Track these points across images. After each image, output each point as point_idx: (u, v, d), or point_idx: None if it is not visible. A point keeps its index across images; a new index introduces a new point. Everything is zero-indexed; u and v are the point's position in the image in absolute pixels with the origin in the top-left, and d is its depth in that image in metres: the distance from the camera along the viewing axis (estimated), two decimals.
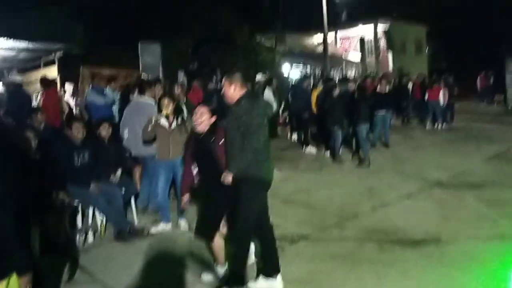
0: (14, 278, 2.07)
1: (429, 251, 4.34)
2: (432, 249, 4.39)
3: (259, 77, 12.45)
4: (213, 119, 3.87)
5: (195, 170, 3.94)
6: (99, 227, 5.12)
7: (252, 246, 3.93)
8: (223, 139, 3.75)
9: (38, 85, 8.75)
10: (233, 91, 3.70)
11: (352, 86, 9.42)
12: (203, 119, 3.83)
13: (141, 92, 5.95)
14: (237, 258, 3.65)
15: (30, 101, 8.20)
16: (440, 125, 12.80)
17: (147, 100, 5.80)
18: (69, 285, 3.92)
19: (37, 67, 10.64)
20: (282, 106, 12.20)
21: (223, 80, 3.83)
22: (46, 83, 8.28)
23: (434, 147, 10.18)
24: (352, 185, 7.11)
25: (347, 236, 4.88)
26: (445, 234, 4.72)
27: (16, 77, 9.31)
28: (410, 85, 14.89)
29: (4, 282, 2.03)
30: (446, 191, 6.52)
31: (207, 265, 4.09)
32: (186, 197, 3.99)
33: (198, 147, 3.87)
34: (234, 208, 3.61)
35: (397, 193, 6.44)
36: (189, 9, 15.91)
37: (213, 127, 3.85)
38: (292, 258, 4.31)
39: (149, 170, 5.61)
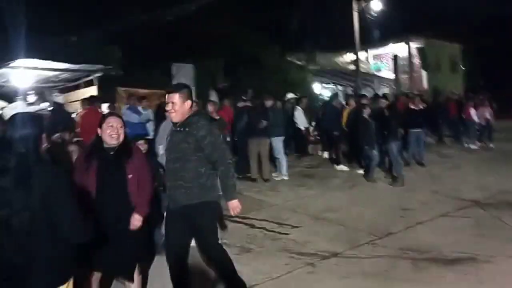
0: (71, 283, 2.20)
1: (466, 270, 4.21)
2: (469, 268, 4.26)
3: (290, 95, 12.55)
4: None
5: None
6: None
7: None
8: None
9: (78, 104, 9.14)
10: (187, 107, 3.49)
11: (383, 104, 9.34)
12: None
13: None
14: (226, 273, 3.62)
15: (71, 119, 8.59)
16: (478, 144, 12.46)
17: None
18: None
19: (77, 87, 11.12)
20: (313, 124, 12.24)
21: (171, 95, 3.49)
22: (92, 100, 8.57)
23: (470, 166, 9.90)
24: (385, 204, 7.00)
25: (379, 254, 4.79)
26: (482, 253, 4.57)
27: (58, 97, 9.78)
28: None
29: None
30: (483, 211, 6.32)
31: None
32: None
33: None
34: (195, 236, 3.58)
35: (432, 212, 6.29)
36: (220, 30, 16.29)
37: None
38: (323, 275, 4.28)
39: None
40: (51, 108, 8.99)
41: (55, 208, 2.11)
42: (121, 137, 3.40)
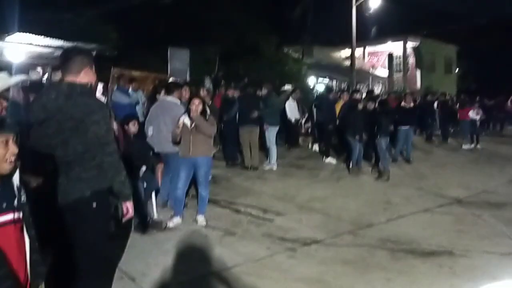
0: None
1: (441, 262, 4.35)
2: (444, 261, 4.39)
3: (287, 87, 12.64)
4: None
5: None
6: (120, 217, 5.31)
7: None
8: None
9: None
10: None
11: (371, 106, 9.40)
12: None
13: (168, 92, 6.15)
14: None
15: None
16: (472, 145, 12.67)
17: (173, 99, 6.01)
18: None
19: None
20: (305, 116, 12.33)
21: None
22: None
23: (456, 166, 10.07)
24: (369, 197, 7.12)
25: (359, 243, 4.92)
26: (459, 248, 4.70)
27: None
28: (436, 103, 14.81)
29: None
30: (464, 209, 6.46)
31: (218, 260, 4.21)
32: None
33: None
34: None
35: (414, 207, 6.43)
36: (217, 17, 16.25)
37: None
38: (303, 259, 4.40)
39: (171, 167, 5.80)
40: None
41: None
42: None
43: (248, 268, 4.14)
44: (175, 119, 5.42)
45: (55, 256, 2.63)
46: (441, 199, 6.94)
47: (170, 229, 5.22)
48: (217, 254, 4.44)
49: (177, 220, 5.38)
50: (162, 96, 6.33)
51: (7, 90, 3.33)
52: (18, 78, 2.54)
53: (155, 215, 5.61)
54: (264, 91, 9.66)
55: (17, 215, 1.80)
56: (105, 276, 2.94)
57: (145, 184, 5.46)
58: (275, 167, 9.06)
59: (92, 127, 2.66)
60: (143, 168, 5.60)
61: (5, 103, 2.32)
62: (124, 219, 2.94)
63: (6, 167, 1.78)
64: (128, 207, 2.91)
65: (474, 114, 12.86)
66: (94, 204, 2.72)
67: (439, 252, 4.62)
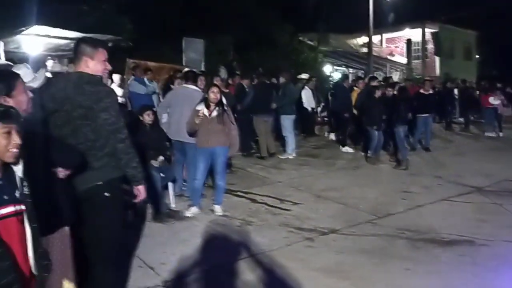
0: None
1: (462, 251, 4.28)
2: (465, 250, 4.32)
3: (304, 75, 12.54)
4: None
5: None
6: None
7: None
8: None
9: None
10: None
11: (390, 93, 9.26)
12: None
13: (188, 80, 6.14)
14: None
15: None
16: (495, 132, 12.39)
17: (194, 87, 6.00)
18: None
19: None
20: (321, 105, 12.23)
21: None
22: None
23: (476, 154, 9.87)
24: (388, 186, 7.04)
25: (378, 233, 4.86)
26: (480, 237, 4.62)
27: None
28: (456, 90, 14.52)
29: None
30: (485, 197, 6.33)
31: (236, 250, 4.22)
32: None
33: None
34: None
35: (433, 196, 6.32)
36: (232, 7, 16.15)
37: None
38: (321, 249, 4.37)
39: (189, 157, 5.82)
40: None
41: None
42: None
43: (265, 258, 4.13)
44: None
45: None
46: (461, 187, 6.81)
47: (188, 218, 5.25)
48: (234, 244, 4.45)
49: (194, 210, 5.40)
50: (178, 83, 6.31)
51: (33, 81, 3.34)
52: (42, 70, 2.57)
53: (173, 205, 5.65)
54: (281, 80, 9.64)
55: (19, 207, 1.78)
56: (121, 264, 2.96)
57: (162, 174, 5.49)
58: (291, 156, 9.02)
59: (101, 114, 2.65)
60: (160, 157, 5.62)
61: (31, 95, 2.34)
62: (136, 201, 2.94)
63: (8, 158, 1.76)
64: (140, 190, 2.89)
65: (494, 100, 12.55)
66: (107, 193, 2.72)
67: (460, 241, 4.55)
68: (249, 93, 9.10)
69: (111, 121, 2.68)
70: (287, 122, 9.15)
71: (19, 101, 2.25)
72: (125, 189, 2.96)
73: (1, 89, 2.19)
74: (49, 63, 9.09)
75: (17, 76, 2.36)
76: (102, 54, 2.82)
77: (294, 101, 9.55)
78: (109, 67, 2.90)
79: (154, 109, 6.43)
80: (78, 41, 2.92)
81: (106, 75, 2.90)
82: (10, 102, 2.18)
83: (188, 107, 5.51)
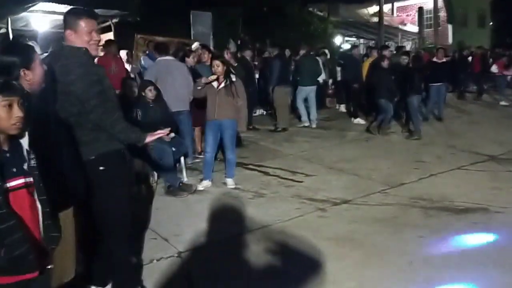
0: None
1: (476, 219, 4.25)
2: (479, 217, 4.29)
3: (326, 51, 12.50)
4: None
5: None
6: (151, 182, 5.43)
7: None
8: None
9: None
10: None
11: (404, 61, 9.09)
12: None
13: (165, 52, 6.46)
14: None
15: None
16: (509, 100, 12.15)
17: (171, 58, 6.45)
18: None
19: None
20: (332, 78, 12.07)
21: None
22: (106, 45, 8.38)
23: (490, 123, 9.72)
24: (400, 156, 6.98)
25: (391, 202, 4.85)
26: (494, 205, 4.58)
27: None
28: (470, 58, 14.20)
29: None
30: (499, 165, 6.25)
31: (249, 221, 4.25)
32: None
33: None
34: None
35: (447, 166, 6.26)
36: None
37: None
38: (333, 218, 4.38)
39: (184, 124, 6.10)
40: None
41: None
42: None
43: (279, 228, 4.17)
44: (184, 76, 5.82)
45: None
46: (475, 156, 6.73)
47: (200, 191, 5.29)
48: (247, 215, 4.48)
49: (206, 183, 5.43)
50: (163, 56, 6.48)
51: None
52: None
53: (185, 179, 5.69)
54: (301, 52, 9.89)
55: (29, 179, 1.79)
56: (134, 237, 2.97)
57: (173, 148, 5.50)
58: (307, 123, 9.45)
59: (70, 87, 2.56)
60: (171, 134, 5.61)
61: (45, 68, 2.33)
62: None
63: (12, 131, 1.75)
64: (148, 137, 2.76)
65: (496, 69, 12.26)
66: (101, 167, 2.65)
67: (474, 209, 4.52)
68: (274, 65, 9.11)
69: (78, 93, 2.56)
70: (310, 93, 9.43)
71: (37, 74, 2.23)
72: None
73: (21, 61, 2.17)
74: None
75: (34, 48, 2.35)
76: (86, 24, 2.64)
77: (313, 72, 9.65)
78: (97, 37, 2.72)
79: None
80: (64, 14, 2.81)
81: (94, 46, 2.73)
82: (29, 74, 2.17)
83: (176, 78, 5.90)
